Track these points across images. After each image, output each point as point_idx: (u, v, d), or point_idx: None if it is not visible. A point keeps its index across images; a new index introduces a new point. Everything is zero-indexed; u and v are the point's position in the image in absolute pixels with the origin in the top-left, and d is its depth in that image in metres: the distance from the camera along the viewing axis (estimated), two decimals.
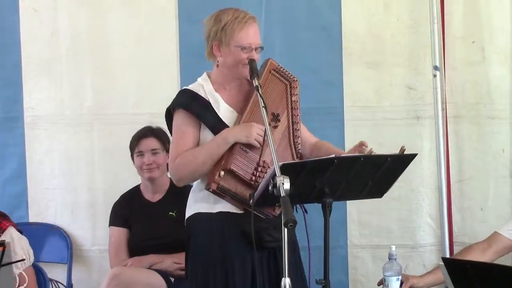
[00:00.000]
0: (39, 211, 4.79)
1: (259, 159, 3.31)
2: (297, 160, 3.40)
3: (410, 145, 4.11)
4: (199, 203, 3.40)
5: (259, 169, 3.32)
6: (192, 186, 3.54)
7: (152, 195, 4.39)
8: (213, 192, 3.30)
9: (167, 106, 3.48)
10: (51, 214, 4.78)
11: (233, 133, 3.32)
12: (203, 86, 3.44)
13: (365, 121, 4.54)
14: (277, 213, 3.33)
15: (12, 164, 4.80)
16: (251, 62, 3.34)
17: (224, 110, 3.41)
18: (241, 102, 3.43)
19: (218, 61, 3.41)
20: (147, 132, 4.35)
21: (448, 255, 4.41)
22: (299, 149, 3.48)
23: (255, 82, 3.29)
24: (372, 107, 4.55)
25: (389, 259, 3.56)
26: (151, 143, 4.32)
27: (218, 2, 4.39)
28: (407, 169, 3.26)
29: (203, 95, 3.42)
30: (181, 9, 4.63)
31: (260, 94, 3.23)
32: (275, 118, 3.40)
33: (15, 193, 4.80)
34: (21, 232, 3.88)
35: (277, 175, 2.85)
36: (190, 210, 3.45)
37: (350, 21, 4.54)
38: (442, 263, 2.93)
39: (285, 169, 2.89)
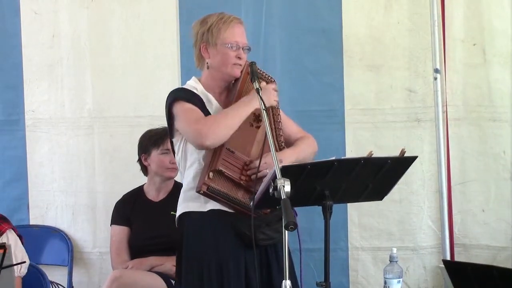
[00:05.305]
0: (40, 213, 4.79)
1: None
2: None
3: (410, 148, 4.13)
4: (189, 202, 3.40)
5: (246, 168, 3.34)
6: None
7: (156, 195, 4.39)
8: (204, 194, 3.31)
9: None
10: (51, 217, 4.79)
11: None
12: (195, 87, 3.46)
13: (366, 123, 4.54)
14: (267, 211, 3.34)
15: (12, 167, 4.81)
16: (251, 64, 3.37)
17: (216, 109, 3.42)
18: (231, 104, 3.43)
19: (207, 63, 3.44)
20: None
21: (448, 257, 4.41)
22: (283, 147, 3.48)
23: (256, 85, 3.30)
24: (373, 109, 4.55)
25: (390, 261, 3.55)
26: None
27: (218, 4, 4.42)
28: (407, 171, 3.25)
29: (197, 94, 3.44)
30: (181, 11, 4.63)
31: (260, 96, 3.24)
32: (256, 118, 3.40)
33: (16, 195, 4.80)
34: (20, 237, 3.88)
35: (277, 177, 2.85)
36: (180, 208, 3.45)
37: (351, 24, 4.54)
38: (443, 265, 2.93)
39: (285, 172, 2.89)
